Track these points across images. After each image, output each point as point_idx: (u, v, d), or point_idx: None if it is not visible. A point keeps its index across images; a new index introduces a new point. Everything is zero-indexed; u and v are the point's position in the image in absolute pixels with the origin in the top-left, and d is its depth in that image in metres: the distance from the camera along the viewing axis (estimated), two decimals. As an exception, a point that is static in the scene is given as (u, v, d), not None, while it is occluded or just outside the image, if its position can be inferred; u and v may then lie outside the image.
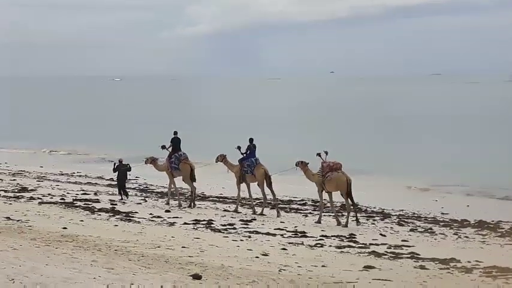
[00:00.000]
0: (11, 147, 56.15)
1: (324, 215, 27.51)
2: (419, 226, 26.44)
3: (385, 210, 29.54)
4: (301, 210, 29.60)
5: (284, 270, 17.37)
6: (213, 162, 31.13)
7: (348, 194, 26.60)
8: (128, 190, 31.67)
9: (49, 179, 37.11)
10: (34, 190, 32.79)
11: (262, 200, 29.34)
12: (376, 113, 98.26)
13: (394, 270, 18.52)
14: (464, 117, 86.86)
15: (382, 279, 16.85)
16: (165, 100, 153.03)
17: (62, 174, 39.65)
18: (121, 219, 25.89)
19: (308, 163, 28.05)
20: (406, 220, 27.58)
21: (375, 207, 30.14)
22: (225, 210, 29.04)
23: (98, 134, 66.90)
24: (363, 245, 22.30)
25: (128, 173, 31.67)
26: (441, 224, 26.98)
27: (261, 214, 28.37)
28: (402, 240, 23.29)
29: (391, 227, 26.09)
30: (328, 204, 27.55)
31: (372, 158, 47.85)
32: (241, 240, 22.70)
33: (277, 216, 27.98)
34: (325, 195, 27.39)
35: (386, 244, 22.52)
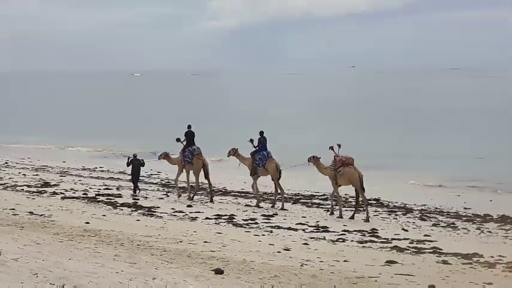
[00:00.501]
0: (34, 142, 56.39)
1: (346, 210, 27.47)
2: (441, 221, 26.30)
3: (407, 205, 29.40)
4: (323, 205, 29.53)
5: (306, 265, 17.36)
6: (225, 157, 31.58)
7: (360, 189, 26.87)
8: (138, 186, 31.83)
9: (71, 174, 37.30)
10: (57, 185, 32.98)
11: (282, 195, 29.23)
12: (397, 108, 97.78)
13: (416, 265, 18.46)
14: (485, 111, 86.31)
15: (405, 274, 16.80)
16: (184, 95, 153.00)
17: (84, 169, 39.81)
18: (143, 214, 25.99)
19: (320, 157, 28.22)
20: (428, 215, 27.45)
21: (396, 202, 30.00)
22: (246, 205, 29.06)
23: (119, 129, 67.08)
24: (385, 240, 22.25)
25: (141, 167, 31.96)
26: (464, 218, 26.82)
27: (282, 209, 28.38)
28: (424, 235, 23.22)
29: (413, 222, 25.98)
30: (336, 197, 27.70)
31: (393, 153, 47.57)
32: (263, 235, 22.72)
33: (281, 209, 28.19)
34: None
35: (408, 239, 22.45)
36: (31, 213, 23.48)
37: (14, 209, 23.89)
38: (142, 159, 32.08)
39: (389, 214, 27.61)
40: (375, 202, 29.99)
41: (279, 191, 29.13)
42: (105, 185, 33.59)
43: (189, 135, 30.85)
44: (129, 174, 32.93)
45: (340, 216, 26.86)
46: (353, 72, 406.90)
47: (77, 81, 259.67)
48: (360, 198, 27.20)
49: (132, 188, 31.65)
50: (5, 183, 32.97)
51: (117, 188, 32.42)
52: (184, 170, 30.88)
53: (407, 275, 16.78)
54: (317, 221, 25.47)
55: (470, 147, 50.63)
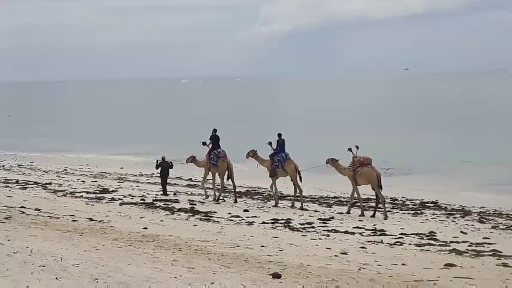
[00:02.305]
0: (93, 151, 57.07)
1: (386, 210, 27.27)
2: (501, 223, 25.93)
3: (465, 208, 29.06)
4: (380, 208, 29.31)
5: (363, 268, 17.28)
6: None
7: (378, 188, 27.61)
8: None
9: (129, 180, 37.68)
10: (115, 191, 33.35)
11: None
12: (452, 110, 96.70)
13: (475, 268, 18.23)
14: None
15: (464, 278, 16.61)
16: (230, 100, 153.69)
17: (142, 175, 40.17)
18: (200, 219, 26.15)
19: (338, 159, 29.08)
20: (487, 217, 27.09)
21: (454, 205, 29.67)
22: (303, 209, 29.03)
23: (170, 136, 67.44)
24: (443, 243, 22.02)
25: (170, 170, 33.08)
26: (524, 221, 26.41)
27: (301, 208, 29.01)
28: (484, 238, 22.92)
29: (472, 225, 25.66)
30: (355, 195, 28.41)
31: (450, 156, 47.12)
32: (320, 238, 22.67)
33: (300, 208, 28.94)
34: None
35: (467, 242, 22.19)
36: (90, 219, 23.80)
37: (73, 215, 24.23)
38: (171, 162, 33.20)
39: (447, 217, 27.32)
40: (432, 205, 29.73)
41: (297, 191, 29.80)
42: (163, 191, 33.87)
43: (215, 139, 31.76)
44: (158, 177, 33.91)
45: (362, 214, 27.63)
46: (407, 74, 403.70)
47: (126, 89, 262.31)
48: (378, 197, 27.81)
49: (162, 189, 32.60)
50: (64, 190, 33.46)
51: (174, 194, 32.65)
52: (210, 172, 31.89)
53: (467, 278, 16.58)
54: (374, 225, 25.34)
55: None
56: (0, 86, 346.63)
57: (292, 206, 29.53)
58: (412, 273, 16.93)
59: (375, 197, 28.26)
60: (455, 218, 27.12)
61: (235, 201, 30.72)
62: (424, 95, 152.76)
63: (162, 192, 32.36)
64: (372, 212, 27.75)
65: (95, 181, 37.38)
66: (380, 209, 27.67)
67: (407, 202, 30.55)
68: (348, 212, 28.04)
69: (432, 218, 26.92)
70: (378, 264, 17.97)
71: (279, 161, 30.06)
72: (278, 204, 29.81)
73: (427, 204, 29.86)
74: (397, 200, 31.12)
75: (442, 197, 30.76)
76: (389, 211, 28.65)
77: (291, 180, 30.02)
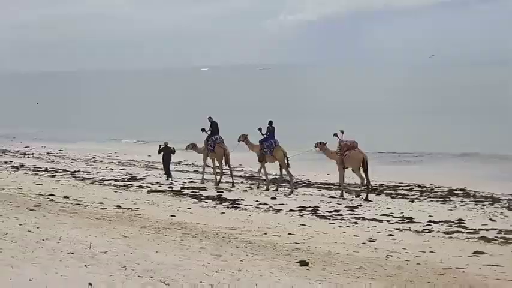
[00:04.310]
0: (120, 137, 57.42)
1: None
2: (530, 211, 25.72)
3: (494, 195, 28.82)
4: (408, 195, 29.22)
5: (391, 256, 17.23)
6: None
7: (364, 171, 28.83)
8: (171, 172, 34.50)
9: (157, 168, 37.78)
10: (143, 179, 33.53)
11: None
12: (482, 98, 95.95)
13: (504, 255, 18.10)
14: None
15: (493, 265, 16.51)
16: (250, 88, 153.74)
17: (170, 163, 40.23)
18: (227, 207, 26.20)
19: (326, 143, 30.49)
20: (516, 204, 26.87)
21: (483, 192, 29.43)
22: (330, 197, 28.99)
23: (189, 124, 67.48)
24: (472, 231, 21.87)
25: (172, 155, 34.54)
26: (553, 208, 26.16)
27: (291, 193, 29.62)
28: (512, 225, 22.75)
29: (501, 212, 25.46)
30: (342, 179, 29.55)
31: (478, 144, 46.76)
32: (348, 226, 22.64)
33: (290, 194, 29.69)
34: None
35: (496, 229, 22.01)
36: (118, 206, 23.91)
37: (101, 203, 24.35)
38: (173, 147, 34.62)
39: (476, 204, 27.12)
40: (461, 192, 29.54)
41: (286, 176, 31.19)
42: (190, 178, 34.01)
43: (214, 126, 33.12)
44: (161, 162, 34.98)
45: (342, 196, 28.80)
46: (433, 61, 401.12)
47: (151, 79, 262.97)
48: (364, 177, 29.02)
49: (165, 174, 34.05)
50: (93, 178, 33.68)
51: (202, 182, 32.73)
52: (209, 157, 33.17)
53: (496, 265, 16.48)
54: (402, 212, 25.23)
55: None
56: (30, 77, 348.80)
57: (292, 192, 29.98)
58: (441, 260, 16.86)
59: (361, 181, 29.22)
60: (484, 205, 26.92)
61: (233, 185, 31.67)
62: (451, 83, 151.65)
63: (165, 177, 33.83)
64: (365, 195, 28.54)
65: (123, 169, 37.59)
66: (362, 191, 28.87)
67: (436, 189, 30.35)
68: (341, 196, 28.84)
69: (461, 206, 26.76)
70: (405, 252, 17.91)
71: (268, 147, 31.26)
72: (269, 189, 30.80)
73: (456, 192, 29.66)
74: (425, 187, 30.95)
75: (471, 185, 30.51)
76: (417, 198, 28.53)
77: (280, 165, 31.17)
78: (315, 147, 31.02)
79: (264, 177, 31.80)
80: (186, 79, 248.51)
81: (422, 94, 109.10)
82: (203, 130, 33.22)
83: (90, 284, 9.87)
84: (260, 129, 31.66)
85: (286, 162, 30.89)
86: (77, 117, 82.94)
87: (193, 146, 34.25)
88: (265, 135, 31.53)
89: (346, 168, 29.38)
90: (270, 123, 31.65)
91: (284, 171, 31.19)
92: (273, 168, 32.55)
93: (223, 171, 33.19)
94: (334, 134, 29.74)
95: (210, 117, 33.48)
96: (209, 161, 33.38)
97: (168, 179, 33.40)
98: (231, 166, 33.17)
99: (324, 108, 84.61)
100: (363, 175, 28.97)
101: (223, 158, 32.66)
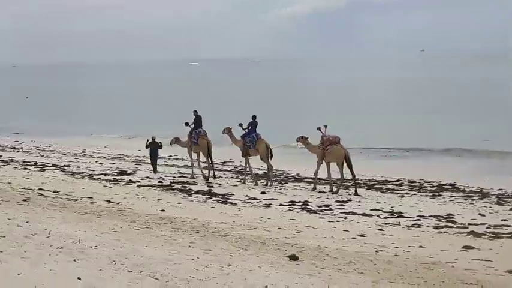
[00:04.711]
0: (108, 132, 57.26)
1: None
2: (519, 205, 25.80)
3: (483, 190, 28.91)
4: (398, 190, 29.29)
5: (381, 250, 17.27)
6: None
7: (348, 166, 28.90)
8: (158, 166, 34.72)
9: (147, 162, 37.67)
10: (133, 173, 33.49)
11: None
12: (472, 92, 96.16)
13: (493, 250, 18.16)
14: None
15: (482, 260, 16.57)
16: (245, 83, 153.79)
17: (159, 158, 40.19)
18: (217, 201, 26.19)
19: (308, 137, 30.58)
20: (505, 199, 26.93)
21: (473, 187, 29.52)
22: (320, 192, 29.01)
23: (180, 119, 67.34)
24: (461, 225, 21.94)
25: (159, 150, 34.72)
26: (542, 203, 26.24)
27: (271, 185, 30.14)
28: (502, 220, 22.79)
29: (490, 207, 25.53)
30: (328, 174, 29.67)
31: (468, 138, 46.86)
32: (337, 221, 22.67)
33: (270, 186, 30.15)
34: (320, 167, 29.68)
35: (485, 224, 22.08)
36: (108, 201, 23.87)
37: (91, 198, 24.30)
38: (160, 142, 34.67)
39: (465, 199, 27.19)
40: (450, 187, 29.60)
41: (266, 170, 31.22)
42: (180, 173, 33.98)
43: (198, 119, 33.28)
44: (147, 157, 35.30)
45: (314, 188, 29.24)
46: (423, 55, 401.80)
47: (138, 72, 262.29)
48: (344, 176, 29.23)
49: (152, 168, 34.16)
50: (82, 172, 33.61)
51: (192, 176, 32.70)
52: (193, 151, 33.31)
53: (485, 260, 16.54)
54: (392, 207, 25.27)
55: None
56: (22, 69, 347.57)
57: (266, 185, 30.30)
58: (430, 255, 16.90)
59: (340, 176, 29.40)
60: (473, 200, 27.00)
61: (214, 177, 32.10)
62: (441, 77, 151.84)
63: (152, 171, 33.81)
64: (354, 190, 28.61)
65: (113, 163, 37.53)
66: (340, 184, 29.16)
67: (425, 184, 30.44)
68: (314, 189, 29.27)
69: (450, 201, 26.84)
70: (395, 247, 17.94)
71: (250, 142, 31.39)
72: (258, 183, 30.81)
73: (445, 187, 29.74)
74: (415, 182, 31.02)
75: (460, 180, 30.60)
76: (407, 193, 28.59)
77: (261, 158, 31.37)
78: (297, 141, 31.27)
79: (249, 172, 31.75)
80: (175, 72, 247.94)
81: (415, 88, 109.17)
82: (186, 124, 33.37)
83: (79, 278, 9.84)
84: (241, 125, 31.77)
85: (269, 154, 30.92)
86: (64, 111, 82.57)
87: (176, 140, 34.41)
88: (246, 130, 31.62)
89: (327, 162, 29.47)
90: (254, 117, 31.68)
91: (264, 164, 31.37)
92: (261, 163, 32.49)
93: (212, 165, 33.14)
94: (317, 128, 29.87)
95: (195, 111, 33.61)
96: (194, 155, 33.47)
97: (155, 173, 33.40)
98: (213, 159, 33.14)
99: (313, 102, 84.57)
100: (349, 170, 28.94)
101: (206, 150, 32.74)
